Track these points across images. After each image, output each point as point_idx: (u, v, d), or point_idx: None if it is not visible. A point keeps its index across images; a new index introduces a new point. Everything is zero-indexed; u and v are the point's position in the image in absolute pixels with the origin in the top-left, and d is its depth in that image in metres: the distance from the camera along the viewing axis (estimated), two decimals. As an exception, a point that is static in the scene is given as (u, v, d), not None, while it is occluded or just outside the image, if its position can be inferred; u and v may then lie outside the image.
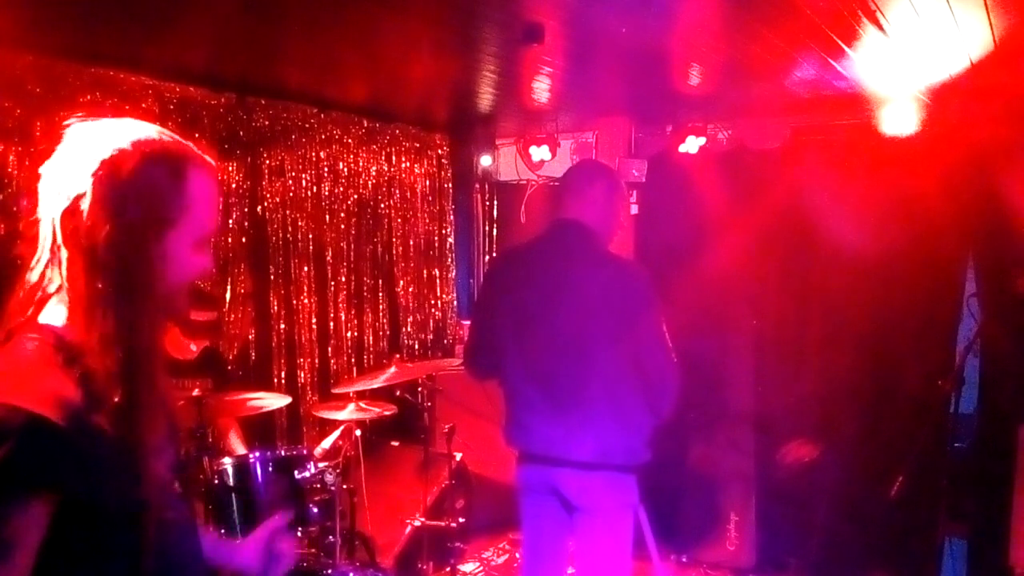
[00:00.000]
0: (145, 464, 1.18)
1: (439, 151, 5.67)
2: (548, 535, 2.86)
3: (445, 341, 5.68)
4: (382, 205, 5.27)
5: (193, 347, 3.56)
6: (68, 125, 1.25)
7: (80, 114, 1.26)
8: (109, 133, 1.22)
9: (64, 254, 1.20)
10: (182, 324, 3.48)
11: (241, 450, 3.65)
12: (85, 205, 1.17)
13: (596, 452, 2.63)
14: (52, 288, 1.21)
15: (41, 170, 1.24)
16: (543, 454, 2.71)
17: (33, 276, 1.22)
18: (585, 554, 2.78)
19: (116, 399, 1.15)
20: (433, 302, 5.66)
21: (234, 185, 4.38)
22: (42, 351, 1.15)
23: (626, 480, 2.73)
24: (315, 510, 3.28)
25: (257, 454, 3.24)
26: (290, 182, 4.67)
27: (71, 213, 1.19)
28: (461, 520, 3.85)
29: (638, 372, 2.63)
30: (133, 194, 1.18)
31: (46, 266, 1.22)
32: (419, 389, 4.36)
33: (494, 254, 5.98)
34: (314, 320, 4.81)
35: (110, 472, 1.16)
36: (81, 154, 1.20)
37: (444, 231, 5.74)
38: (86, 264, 1.18)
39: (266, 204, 4.55)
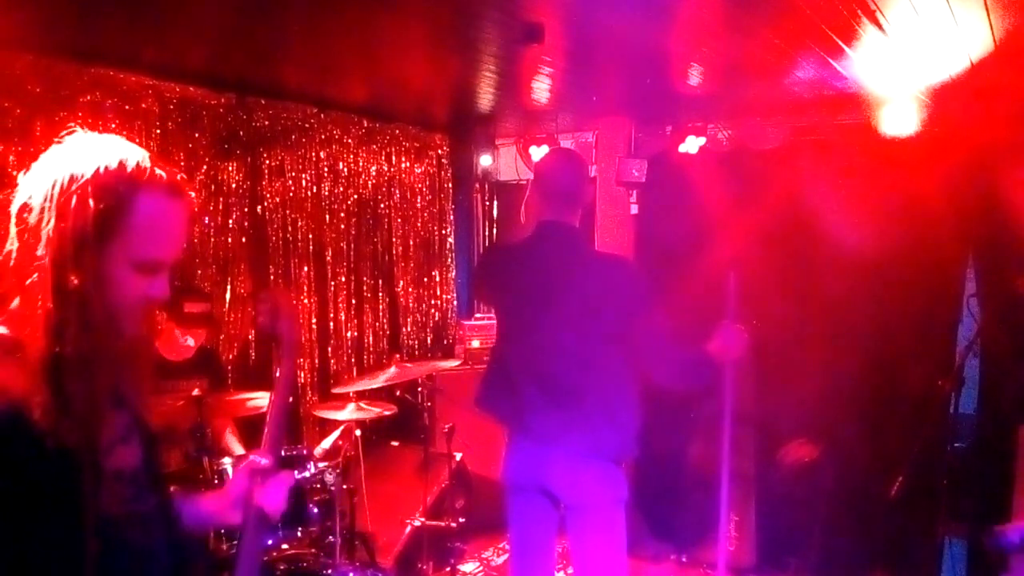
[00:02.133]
0: (83, 460, 1.20)
1: (439, 151, 5.67)
2: (537, 536, 2.88)
3: (445, 341, 5.68)
4: (382, 205, 5.27)
5: (191, 341, 3.55)
6: (68, 133, 1.31)
7: (76, 125, 1.32)
8: (83, 149, 1.28)
9: (14, 251, 1.25)
10: (176, 320, 3.49)
11: (239, 450, 3.65)
12: (35, 208, 1.24)
13: (586, 445, 2.68)
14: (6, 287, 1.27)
15: (22, 174, 1.29)
16: (534, 437, 2.74)
17: None
18: (581, 553, 2.79)
19: (42, 397, 1.18)
20: (433, 302, 5.66)
21: (234, 185, 4.38)
22: None
23: (615, 473, 2.75)
24: (315, 510, 3.28)
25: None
26: (290, 182, 4.67)
27: (23, 214, 1.26)
28: (461, 520, 3.85)
29: (634, 365, 2.70)
30: (75, 208, 1.22)
31: (4, 261, 1.27)
32: (419, 389, 4.36)
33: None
34: (314, 320, 4.81)
35: (48, 466, 1.18)
36: (53, 163, 1.26)
37: (444, 231, 5.74)
38: (27, 263, 1.23)
39: (266, 204, 4.55)
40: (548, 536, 2.88)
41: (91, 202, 1.22)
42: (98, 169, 1.24)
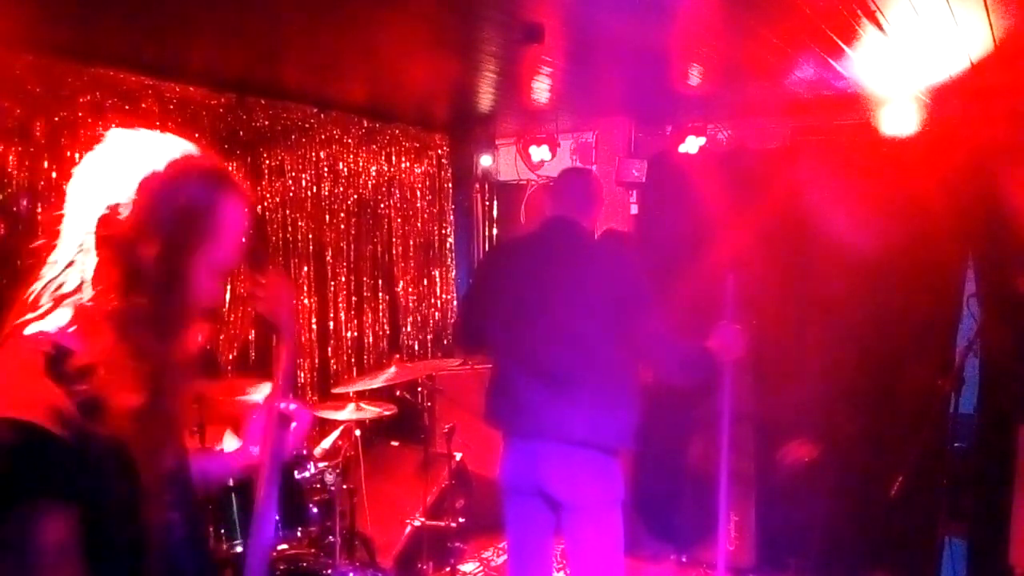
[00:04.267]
0: (145, 469, 1.19)
1: (439, 151, 5.67)
2: (534, 538, 2.89)
3: (445, 341, 5.67)
4: (382, 205, 5.27)
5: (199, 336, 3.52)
6: (109, 132, 1.26)
7: (119, 124, 1.28)
8: (153, 144, 1.23)
9: (94, 262, 1.19)
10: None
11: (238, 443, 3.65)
12: (126, 215, 1.18)
13: (584, 430, 2.68)
14: (64, 290, 1.20)
15: (75, 171, 1.23)
16: (531, 433, 2.75)
17: (46, 279, 1.22)
18: (577, 552, 2.80)
19: (134, 409, 1.15)
20: (433, 302, 5.66)
21: (234, 185, 4.38)
22: (34, 359, 1.13)
23: (612, 468, 2.76)
24: (315, 510, 3.28)
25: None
26: (290, 182, 4.67)
27: (110, 222, 1.18)
28: (461, 520, 3.85)
29: (632, 355, 2.76)
30: (180, 209, 1.19)
31: (63, 270, 1.21)
32: (419, 389, 4.36)
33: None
34: (314, 320, 4.81)
35: (110, 478, 1.16)
36: (123, 162, 1.21)
37: (444, 231, 5.74)
38: (123, 276, 1.18)
39: (266, 204, 4.55)
40: (545, 538, 2.88)
41: (194, 205, 1.20)
42: (190, 169, 1.22)
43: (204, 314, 1.30)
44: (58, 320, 1.18)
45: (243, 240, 1.29)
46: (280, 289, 1.61)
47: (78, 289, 1.19)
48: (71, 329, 1.17)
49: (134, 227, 1.17)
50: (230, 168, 1.31)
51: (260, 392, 3.43)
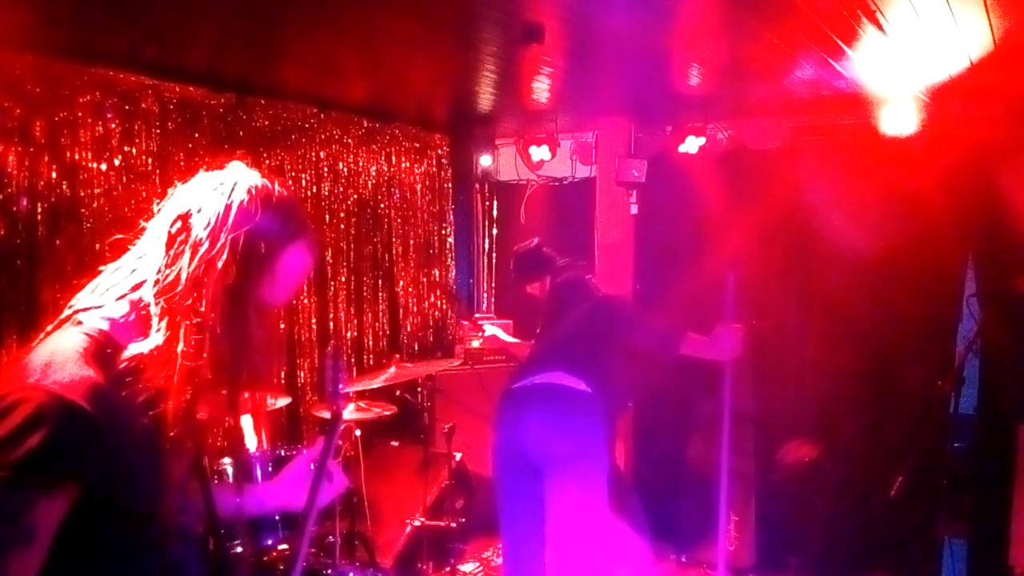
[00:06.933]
0: (171, 466, 1.25)
1: (439, 151, 5.67)
2: (524, 514, 3.05)
3: (445, 341, 5.68)
4: (382, 205, 5.27)
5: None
6: (233, 163, 1.37)
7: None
8: (247, 176, 1.35)
9: (157, 266, 1.27)
10: None
11: (253, 439, 3.63)
12: (201, 233, 1.26)
13: (570, 377, 3.00)
14: (125, 287, 1.30)
15: (181, 187, 1.34)
16: (516, 398, 3.06)
17: (119, 273, 1.32)
18: (553, 510, 2.92)
19: (173, 408, 1.22)
20: (433, 302, 5.66)
21: (234, 185, 4.38)
22: (90, 345, 1.21)
23: (587, 434, 2.93)
24: (315, 510, 3.28)
25: (257, 454, 3.24)
26: (290, 182, 4.67)
27: (183, 235, 1.27)
28: (461, 520, 3.85)
29: (629, 359, 3.25)
30: (250, 238, 1.27)
31: (128, 269, 1.31)
32: (419, 389, 4.36)
33: (494, 254, 6.02)
34: (314, 320, 4.80)
35: (133, 471, 1.21)
36: (215, 186, 1.31)
37: (444, 231, 5.74)
38: (183, 285, 1.25)
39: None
40: (535, 513, 2.99)
41: (256, 240, 1.28)
42: (271, 213, 1.31)
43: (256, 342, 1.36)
44: (115, 312, 1.27)
45: (298, 286, 1.39)
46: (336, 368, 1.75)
47: (138, 287, 1.29)
48: (126, 322, 1.27)
49: (226, 257, 1.26)
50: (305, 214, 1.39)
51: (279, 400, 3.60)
